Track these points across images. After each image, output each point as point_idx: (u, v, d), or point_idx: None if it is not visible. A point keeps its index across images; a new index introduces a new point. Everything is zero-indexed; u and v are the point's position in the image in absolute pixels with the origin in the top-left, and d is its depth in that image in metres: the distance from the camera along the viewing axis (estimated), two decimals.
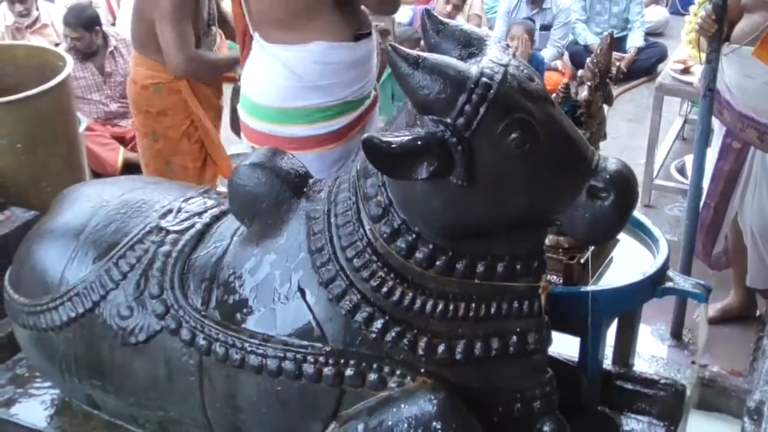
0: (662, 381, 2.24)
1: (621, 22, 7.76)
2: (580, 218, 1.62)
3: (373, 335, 1.69)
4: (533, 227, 1.69)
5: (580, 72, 2.17)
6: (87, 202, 2.06)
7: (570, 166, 1.61)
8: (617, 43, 6.78)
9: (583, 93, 2.11)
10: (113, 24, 7.03)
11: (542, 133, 1.56)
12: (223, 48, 4.16)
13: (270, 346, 1.75)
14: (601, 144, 2.18)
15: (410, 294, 1.68)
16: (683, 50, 5.53)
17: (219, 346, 1.80)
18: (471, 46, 1.65)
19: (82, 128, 4.45)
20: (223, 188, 4.30)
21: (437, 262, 1.67)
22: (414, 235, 1.67)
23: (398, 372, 1.69)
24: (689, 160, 4.36)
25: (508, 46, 1.67)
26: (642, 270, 2.08)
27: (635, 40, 7.64)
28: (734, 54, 3.68)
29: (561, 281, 2.08)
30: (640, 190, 1.87)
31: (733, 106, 3.78)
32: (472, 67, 1.56)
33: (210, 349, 1.81)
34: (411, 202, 1.64)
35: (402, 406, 1.66)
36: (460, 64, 1.57)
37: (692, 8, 5.53)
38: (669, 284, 2.10)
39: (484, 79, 1.54)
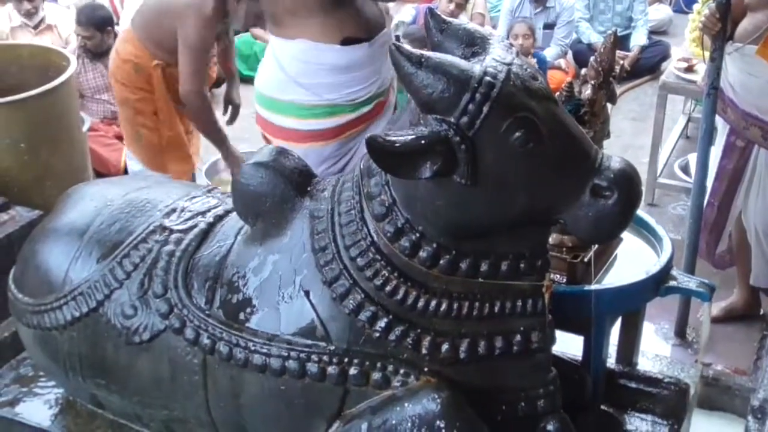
0: (666, 380, 2.24)
1: (624, 21, 7.75)
2: (584, 217, 1.62)
3: (377, 334, 1.69)
4: (537, 226, 1.69)
5: (583, 71, 2.17)
6: (91, 202, 2.06)
7: (574, 165, 1.61)
8: (621, 42, 6.77)
9: (587, 92, 2.11)
10: (116, 24, 7.03)
11: (546, 131, 1.56)
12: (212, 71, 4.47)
13: (274, 345, 1.75)
14: (605, 143, 2.17)
15: (414, 293, 1.69)
16: (687, 49, 5.52)
17: (223, 345, 1.80)
18: (474, 45, 1.65)
19: (85, 128, 4.45)
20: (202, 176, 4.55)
21: (441, 261, 1.67)
22: (417, 234, 1.67)
23: (402, 371, 1.69)
24: (693, 158, 4.36)
25: (511, 45, 1.67)
26: (646, 269, 2.08)
27: (639, 39, 7.64)
28: (738, 53, 3.68)
29: (564, 280, 2.08)
30: (643, 188, 1.87)
31: (736, 104, 3.78)
32: (476, 66, 1.56)
33: (214, 348, 1.81)
34: (414, 201, 1.64)
35: (406, 404, 1.66)
36: (463, 63, 1.57)
37: (696, 6, 5.53)
38: (673, 283, 2.09)
39: (488, 78, 1.54)
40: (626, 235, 2.21)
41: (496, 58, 1.59)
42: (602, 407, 2.18)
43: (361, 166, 1.75)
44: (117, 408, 2.05)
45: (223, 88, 4.84)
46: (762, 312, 4.24)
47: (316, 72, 2.65)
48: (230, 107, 4.61)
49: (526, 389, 1.75)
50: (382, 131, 1.59)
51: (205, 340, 1.82)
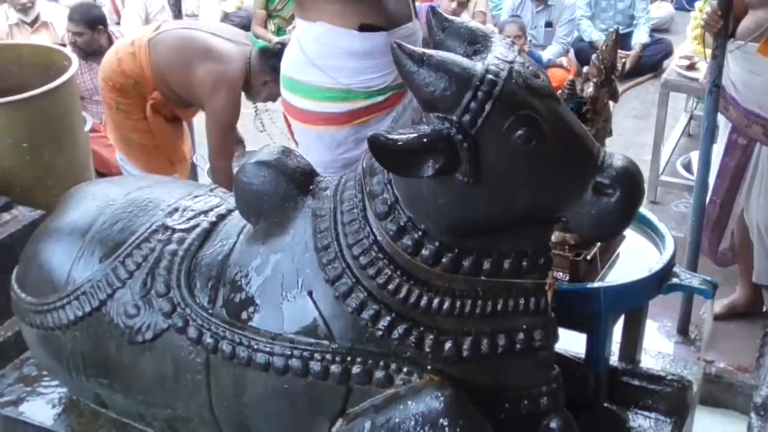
0: (669, 377, 2.24)
1: (626, 19, 7.75)
2: (586, 215, 1.61)
3: (380, 333, 1.69)
4: (539, 224, 1.69)
5: (585, 69, 2.17)
6: (93, 201, 2.07)
7: (576, 163, 1.61)
8: (622, 40, 6.77)
9: (589, 90, 2.11)
10: (118, 23, 7.03)
11: (548, 129, 1.56)
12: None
13: (277, 343, 1.75)
14: (607, 140, 2.17)
15: (416, 291, 1.68)
16: (689, 46, 5.52)
17: (226, 344, 1.80)
18: (476, 43, 1.65)
19: (86, 128, 4.45)
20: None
21: (443, 260, 1.67)
22: (420, 233, 1.67)
23: (405, 369, 1.69)
24: (695, 156, 4.35)
25: (513, 43, 1.67)
26: (648, 266, 2.08)
27: (640, 37, 7.64)
28: (739, 50, 3.68)
29: (567, 278, 2.08)
30: (646, 186, 1.87)
31: (738, 102, 3.78)
32: (478, 64, 1.56)
33: (217, 347, 1.81)
34: (417, 199, 1.64)
35: (409, 403, 1.66)
36: (465, 61, 1.57)
37: (697, 4, 5.53)
38: (675, 280, 2.09)
39: (490, 76, 1.54)
40: (629, 233, 2.21)
41: (498, 56, 1.59)
42: (605, 405, 2.18)
43: (364, 165, 1.75)
44: (120, 407, 2.05)
45: None
46: (764, 309, 4.24)
47: (333, 55, 2.67)
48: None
49: (529, 387, 1.75)
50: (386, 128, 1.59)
51: (208, 339, 1.82)
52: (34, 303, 2.03)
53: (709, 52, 3.51)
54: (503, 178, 1.58)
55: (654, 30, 7.98)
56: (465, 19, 1.77)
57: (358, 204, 1.73)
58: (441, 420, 1.63)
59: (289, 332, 1.75)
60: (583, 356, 2.12)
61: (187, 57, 4.00)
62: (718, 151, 3.96)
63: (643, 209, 2.02)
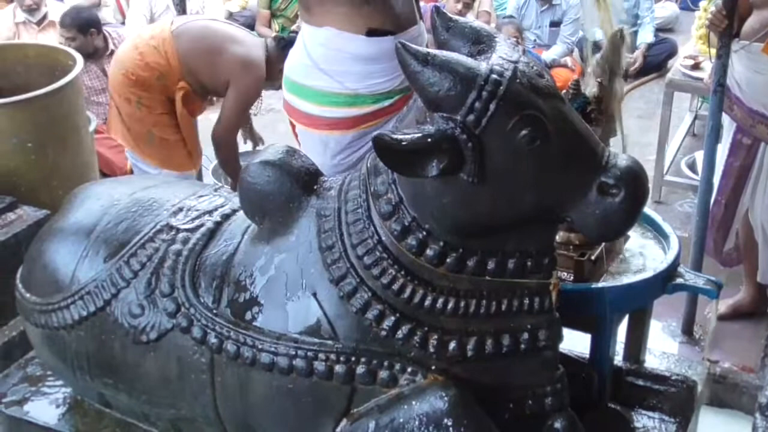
0: (673, 377, 2.24)
1: (631, 18, 7.72)
2: (591, 215, 1.61)
3: (384, 332, 1.69)
4: (544, 224, 1.69)
5: (589, 68, 2.17)
6: (97, 201, 2.07)
7: (580, 163, 1.61)
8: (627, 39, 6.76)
9: (593, 89, 2.11)
10: (123, 23, 7.03)
11: (552, 129, 1.56)
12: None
13: (281, 343, 1.75)
14: (611, 140, 2.17)
15: (421, 291, 1.69)
16: (693, 46, 5.51)
17: (230, 344, 1.80)
18: (481, 42, 1.65)
19: (92, 128, 4.45)
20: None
21: (448, 259, 1.67)
22: (424, 233, 1.67)
23: (409, 369, 1.69)
24: (700, 156, 4.35)
25: (517, 42, 1.66)
26: (653, 266, 2.08)
27: (645, 36, 7.62)
28: (744, 50, 3.68)
29: (572, 278, 2.08)
30: (650, 186, 1.86)
31: (743, 102, 3.77)
32: (482, 64, 1.56)
33: (221, 347, 1.81)
34: (421, 199, 1.64)
35: (413, 403, 1.66)
36: (469, 61, 1.57)
37: (702, 4, 5.53)
38: (680, 280, 2.09)
39: (494, 76, 1.54)
40: (633, 233, 2.21)
41: (503, 56, 1.59)
42: (610, 405, 2.18)
43: (368, 165, 1.75)
44: (124, 407, 2.06)
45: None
46: None
47: (340, 60, 2.66)
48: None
49: (534, 387, 1.75)
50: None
51: (213, 339, 1.82)
52: (39, 303, 2.03)
53: (713, 51, 3.51)
54: (508, 177, 1.58)
55: (659, 30, 7.96)
56: (469, 19, 1.77)
57: (362, 204, 1.73)
58: (445, 420, 1.63)
59: (293, 332, 1.75)
60: (587, 356, 2.12)
61: (214, 43, 4.15)
62: (722, 150, 3.95)
63: (648, 209, 2.01)
